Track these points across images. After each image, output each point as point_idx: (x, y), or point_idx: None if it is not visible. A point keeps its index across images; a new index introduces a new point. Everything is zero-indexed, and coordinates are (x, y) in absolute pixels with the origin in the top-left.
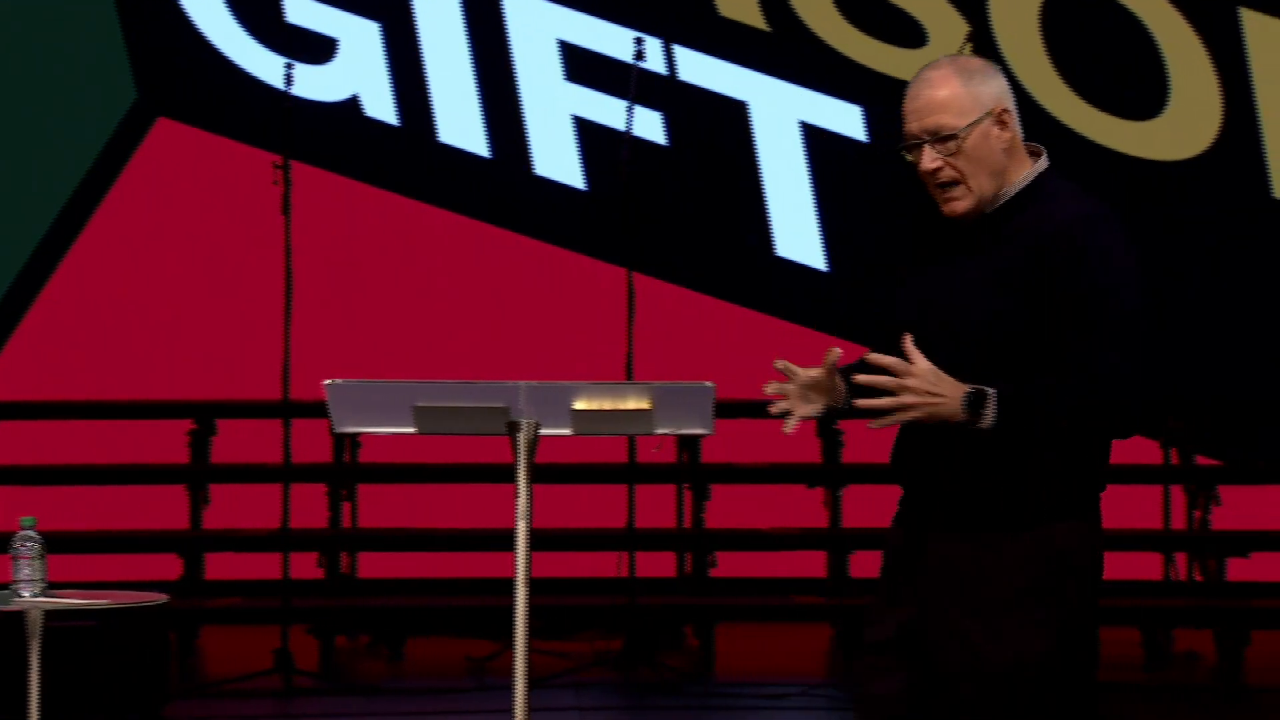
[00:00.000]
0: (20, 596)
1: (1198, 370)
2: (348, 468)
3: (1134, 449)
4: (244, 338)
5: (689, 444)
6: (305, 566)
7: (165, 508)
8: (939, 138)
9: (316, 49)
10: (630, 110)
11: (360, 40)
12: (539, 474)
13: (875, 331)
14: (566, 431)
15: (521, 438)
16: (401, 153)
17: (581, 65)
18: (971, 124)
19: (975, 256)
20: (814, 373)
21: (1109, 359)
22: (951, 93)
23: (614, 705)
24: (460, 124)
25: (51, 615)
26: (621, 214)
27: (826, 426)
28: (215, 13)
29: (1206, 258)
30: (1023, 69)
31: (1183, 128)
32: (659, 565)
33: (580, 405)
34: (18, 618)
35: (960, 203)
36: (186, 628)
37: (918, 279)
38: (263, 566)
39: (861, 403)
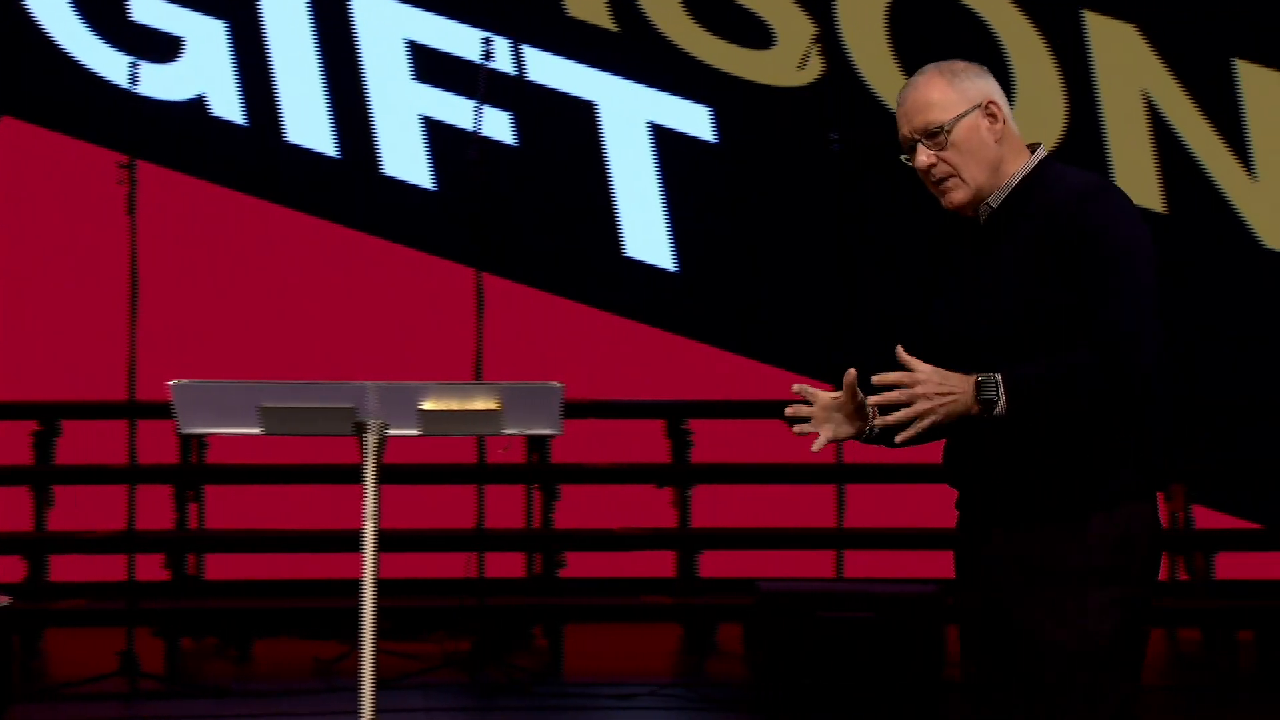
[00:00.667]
0: None
1: None
2: (194, 469)
3: None
4: (89, 338)
5: (538, 444)
6: (151, 568)
7: (9, 509)
8: (929, 134)
9: (162, 48)
10: (479, 110)
11: (206, 39)
12: (387, 474)
13: (914, 343)
14: (414, 432)
15: (369, 438)
16: (248, 152)
17: (430, 65)
18: (958, 117)
19: (995, 252)
20: (833, 396)
21: (1115, 323)
22: (937, 91)
23: (463, 706)
24: (308, 124)
25: None
26: (470, 214)
27: (675, 427)
28: (59, 11)
29: None
30: (869, 70)
31: (1027, 128)
32: (508, 566)
33: (428, 406)
34: None
35: (956, 193)
36: (30, 630)
37: (949, 285)
38: (108, 568)
39: (880, 421)
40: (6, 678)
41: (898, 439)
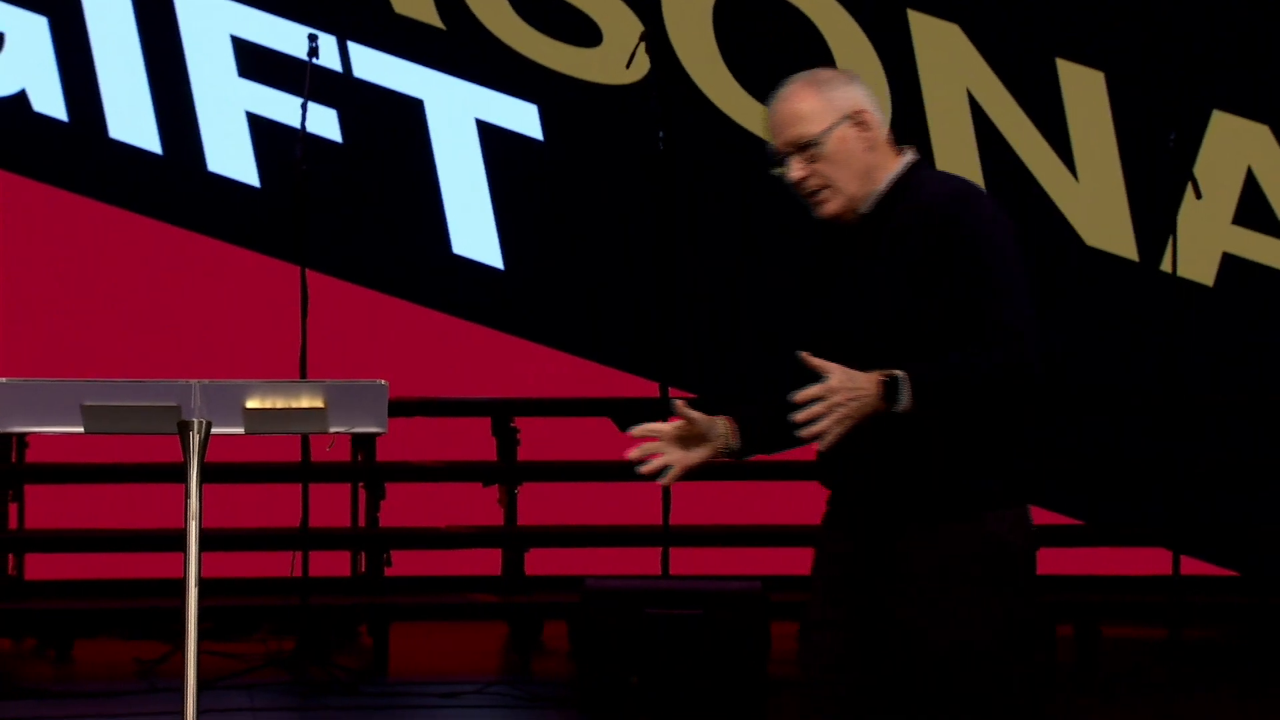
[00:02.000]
0: None
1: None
2: (14, 468)
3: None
4: None
5: (364, 442)
6: None
7: None
8: (800, 147)
9: None
10: (304, 107)
11: (28, 34)
12: (210, 473)
13: (796, 347)
14: (239, 430)
15: (193, 437)
16: (71, 149)
17: (255, 61)
18: (828, 129)
19: (868, 255)
20: (674, 426)
21: (1003, 321)
22: (806, 103)
23: (287, 706)
24: (131, 120)
25: None
26: (295, 211)
27: (502, 425)
28: None
29: None
30: (696, 69)
31: None
32: (333, 565)
33: (253, 404)
34: None
35: (829, 205)
36: None
37: (822, 290)
38: None
39: (802, 429)
40: None
41: (821, 447)
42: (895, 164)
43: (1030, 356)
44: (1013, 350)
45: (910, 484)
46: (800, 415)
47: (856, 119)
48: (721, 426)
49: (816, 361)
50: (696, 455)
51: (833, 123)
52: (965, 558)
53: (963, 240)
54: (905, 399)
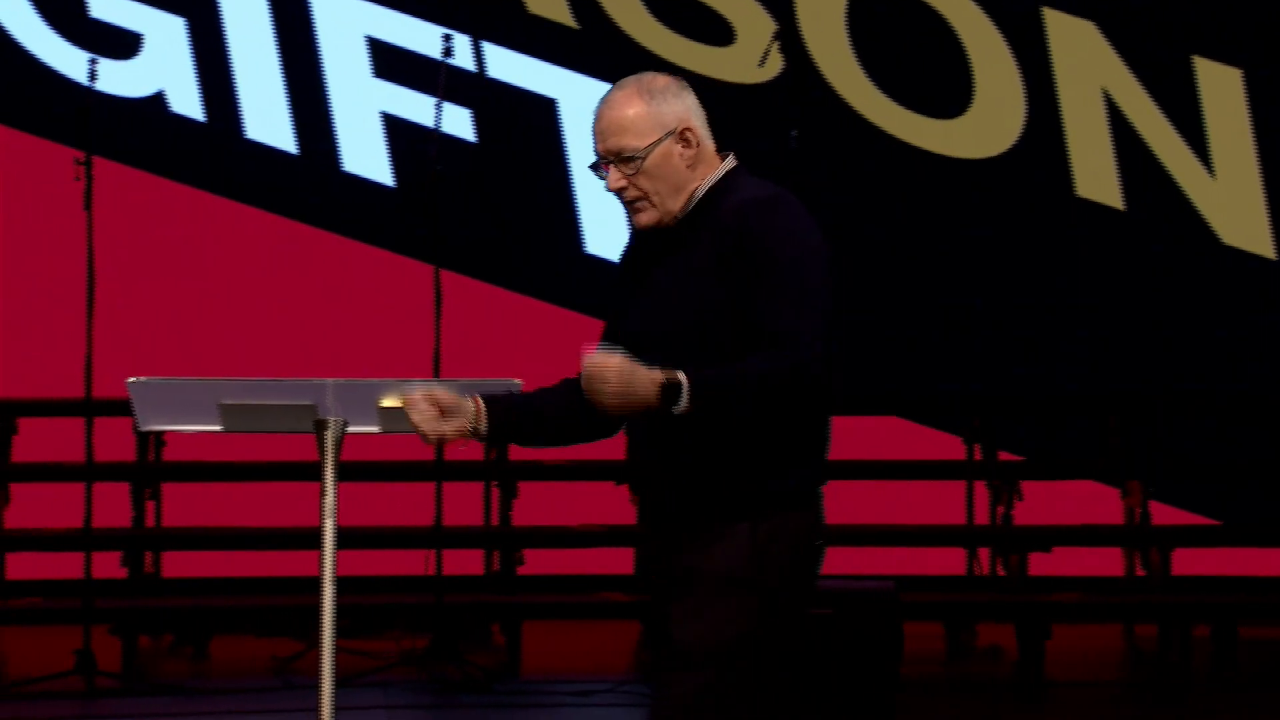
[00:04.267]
0: None
1: (1000, 366)
2: (151, 466)
3: (938, 445)
4: (46, 335)
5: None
6: (108, 566)
7: None
8: (622, 159)
9: (121, 44)
10: (439, 107)
11: (166, 35)
12: (346, 472)
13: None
14: (373, 429)
15: (329, 435)
16: (207, 149)
17: (390, 62)
18: (651, 145)
19: (672, 258)
20: (424, 396)
21: (783, 328)
22: (633, 114)
23: (420, 704)
24: (267, 120)
25: None
26: (429, 211)
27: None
28: (17, 6)
29: (1010, 255)
30: (829, 67)
31: (987, 126)
32: (466, 563)
33: (387, 403)
34: None
35: (645, 215)
36: None
37: (631, 290)
38: (64, 566)
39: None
40: None
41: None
42: (714, 172)
43: (808, 360)
44: (791, 356)
45: (695, 486)
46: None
47: (681, 135)
48: (469, 407)
49: (598, 356)
50: (448, 428)
51: (656, 139)
52: (721, 559)
53: (758, 247)
54: (684, 401)
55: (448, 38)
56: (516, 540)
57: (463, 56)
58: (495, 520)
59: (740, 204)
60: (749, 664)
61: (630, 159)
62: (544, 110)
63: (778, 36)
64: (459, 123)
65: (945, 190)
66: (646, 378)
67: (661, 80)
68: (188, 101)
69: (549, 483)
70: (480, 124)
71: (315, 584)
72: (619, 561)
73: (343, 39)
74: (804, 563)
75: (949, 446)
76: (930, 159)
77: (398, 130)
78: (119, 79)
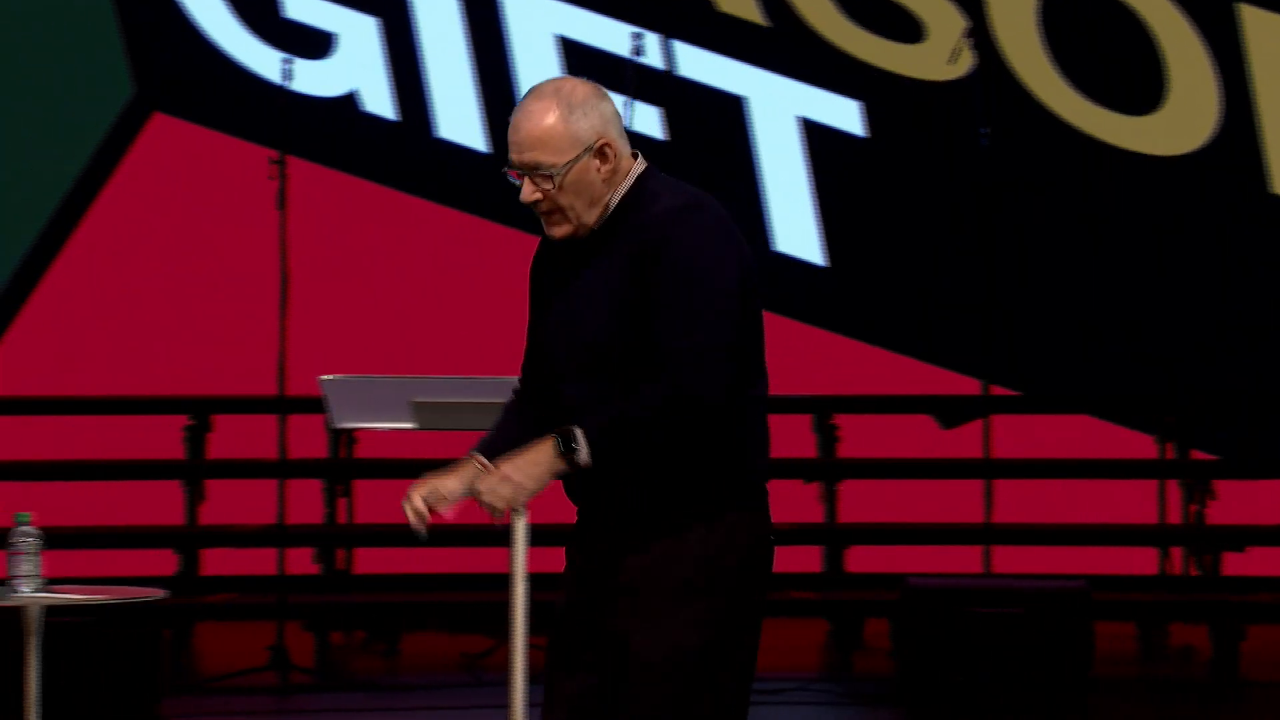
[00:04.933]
0: (18, 592)
1: (1194, 365)
2: (344, 463)
3: (1130, 444)
4: (240, 333)
5: None
6: (301, 562)
7: (161, 503)
8: (537, 173)
9: (314, 44)
10: (628, 105)
11: (358, 35)
12: None
13: (526, 361)
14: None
15: None
16: (399, 148)
17: (580, 60)
18: (569, 162)
19: (586, 270)
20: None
21: (676, 347)
22: (550, 129)
23: None
24: (458, 119)
25: (49, 611)
26: None
27: (822, 422)
28: (212, 7)
29: (1203, 252)
30: (1021, 64)
31: (1180, 123)
32: None
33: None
34: (15, 613)
35: (559, 228)
36: (182, 623)
37: (546, 304)
38: (258, 562)
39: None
40: (157, 671)
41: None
42: (627, 180)
43: (696, 383)
44: (679, 379)
45: (636, 493)
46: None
47: (599, 150)
48: (475, 469)
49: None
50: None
51: (574, 156)
52: (675, 566)
53: (667, 260)
54: (583, 453)
55: (638, 36)
56: None
57: (652, 55)
58: None
59: (659, 214)
60: (713, 670)
61: (546, 174)
62: (733, 108)
63: (969, 33)
64: (648, 121)
65: (1137, 187)
66: (534, 455)
67: (581, 91)
68: (380, 101)
69: None
70: (669, 122)
71: (506, 581)
72: (805, 560)
73: (533, 38)
74: (757, 563)
75: (1141, 446)
76: (1122, 156)
77: None
78: (312, 79)
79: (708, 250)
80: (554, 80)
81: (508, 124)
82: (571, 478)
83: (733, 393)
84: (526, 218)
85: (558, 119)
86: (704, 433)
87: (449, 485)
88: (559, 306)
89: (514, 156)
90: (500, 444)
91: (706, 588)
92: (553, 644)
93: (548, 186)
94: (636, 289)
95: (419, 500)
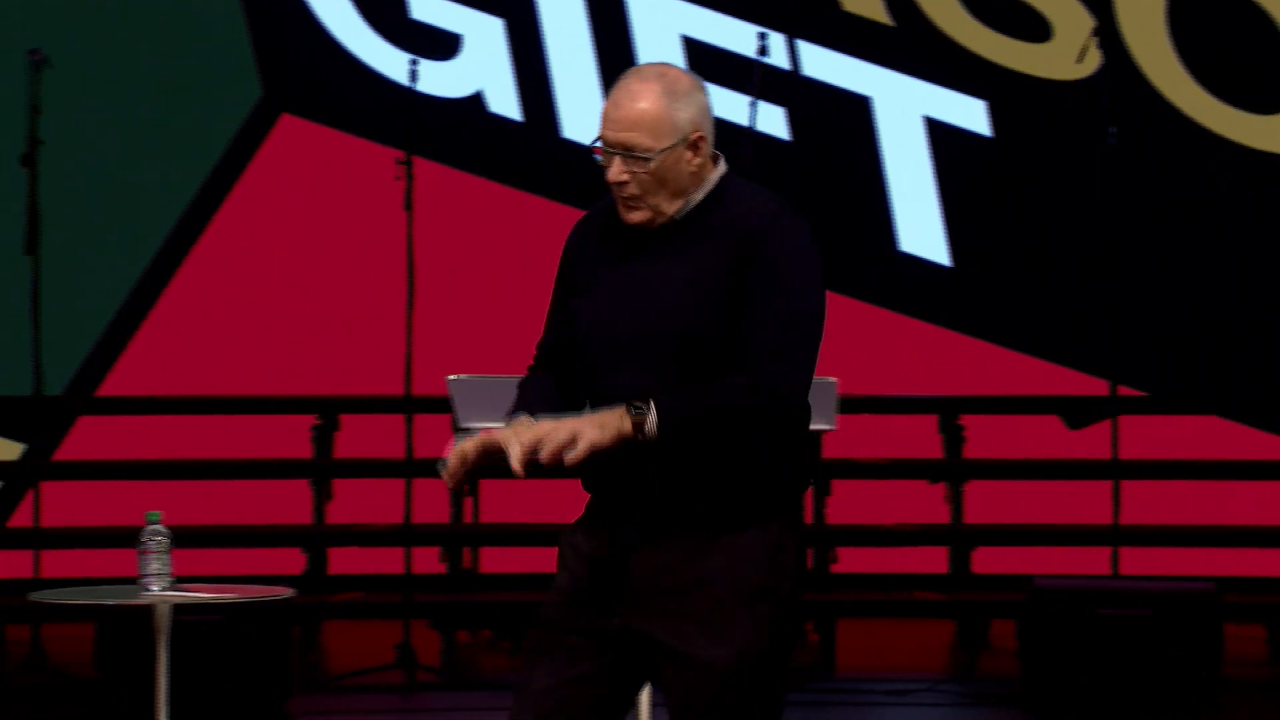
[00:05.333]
0: (148, 591)
1: None
2: None
3: (1258, 445)
4: (367, 333)
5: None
6: (427, 561)
7: (289, 502)
8: (630, 153)
9: (441, 45)
10: (753, 105)
11: (484, 36)
12: None
13: (555, 342)
14: None
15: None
16: (524, 148)
17: (704, 61)
18: (665, 149)
19: (665, 261)
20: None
21: (766, 343)
22: (652, 111)
23: None
24: (583, 120)
25: (178, 609)
26: None
27: (947, 422)
28: (340, 9)
29: None
30: (1148, 62)
31: None
32: None
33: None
34: (146, 612)
35: (637, 214)
36: (309, 622)
37: (600, 286)
38: (385, 561)
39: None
40: (286, 669)
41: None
42: (711, 177)
43: (781, 380)
44: (764, 372)
45: (689, 494)
46: (529, 443)
47: (693, 142)
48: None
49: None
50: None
51: (671, 143)
52: (741, 569)
53: (767, 260)
54: (651, 420)
55: (763, 36)
56: (830, 538)
57: (777, 55)
58: (809, 518)
59: (755, 214)
60: (779, 674)
61: (640, 157)
62: (858, 108)
63: (1096, 32)
64: (773, 121)
65: (1265, 186)
66: (600, 415)
67: (685, 80)
68: (505, 101)
69: (862, 480)
70: (794, 122)
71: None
72: (931, 560)
73: (658, 38)
74: (803, 568)
75: (1270, 446)
76: (1250, 155)
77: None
78: (439, 79)
79: (806, 258)
80: (658, 64)
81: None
82: (610, 468)
83: (802, 398)
84: None
85: (661, 103)
86: (773, 433)
87: (497, 435)
88: (616, 294)
89: (608, 134)
90: (539, 411)
91: (771, 591)
92: (544, 628)
93: (638, 169)
94: (730, 283)
95: (470, 447)
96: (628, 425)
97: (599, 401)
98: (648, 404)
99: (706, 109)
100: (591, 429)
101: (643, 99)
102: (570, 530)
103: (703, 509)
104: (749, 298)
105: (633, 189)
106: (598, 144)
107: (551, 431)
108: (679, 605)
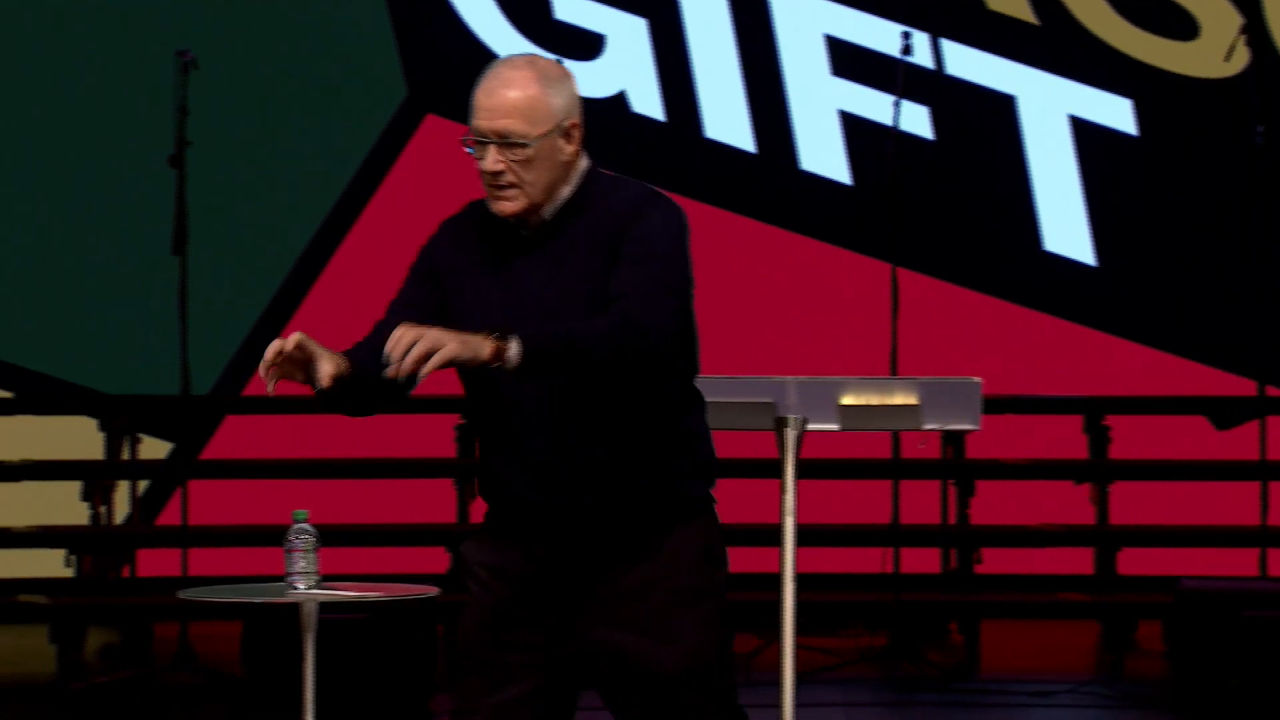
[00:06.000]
0: (295, 589)
1: None
2: None
3: None
4: None
5: (953, 439)
6: None
7: (433, 501)
8: (508, 142)
9: (584, 45)
10: (897, 105)
11: (628, 36)
12: (804, 469)
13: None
14: (834, 427)
15: (789, 433)
16: (667, 148)
17: (848, 60)
18: (543, 135)
19: (545, 266)
20: (296, 347)
21: (631, 292)
22: (528, 98)
23: (879, 701)
24: (726, 119)
25: (325, 608)
26: (887, 209)
27: (1093, 422)
28: (484, 9)
29: None
30: None
31: None
32: (924, 561)
33: (848, 401)
34: (292, 610)
35: (513, 204)
36: (454, 621)
37: (481, 297)
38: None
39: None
40: (430, 668)
41: (422, 372)
42: (580, 168)
43: (645, 317)
44: (630, 310)
45: (610, 497)
46: (391, 344)
47: (567, 130)
48: (329, 367)
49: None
50: (295, 375)
51: (547, 130)
52: (675, 571)
53: (634, 236)
54: (513, 349)
55: (907, 35)
56: (974, 539)
57: (921, 54)
58: (952, 518)
59: (633, 196)
60: (727, 669)
61: (517, 145)
62: (1003, 107)
63: (1244, 30)
64: (917, 120)
65: None
66: (469, 336)
67: (556, 68)
68: (648, 101)
69: (1007, 481)
70: (938, 121)
71: (774, 580)
72: (1077, 561)
73: (801, 38)
74: (726, 561)
75: None
76: None
77: (855, 128)
78: (582, 79)
79: (675, 233)
80: (525, 55)
81: (771, 123)
82: (520, 478)
83: (686, 372)
84: (792, 218)
85: (536, 89)
86: (676, 430)
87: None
88: (503, 305)
89: (483, 123)
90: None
91: (708, 589)
92: (474, 650)
93: (514, 157)
94: (607, 264)
95: (292, 342)
96: (487, 350)
97: (502, 412)
98: (511, 332)
99: (578, 98)
100: (454, 341)
101: (516, 86)
102: (473, 548)
103: (626, 515)
104: (617, 263)
105: (509, 177)
106: (470, 136)
107: (414, 336)
108: (621, 612)
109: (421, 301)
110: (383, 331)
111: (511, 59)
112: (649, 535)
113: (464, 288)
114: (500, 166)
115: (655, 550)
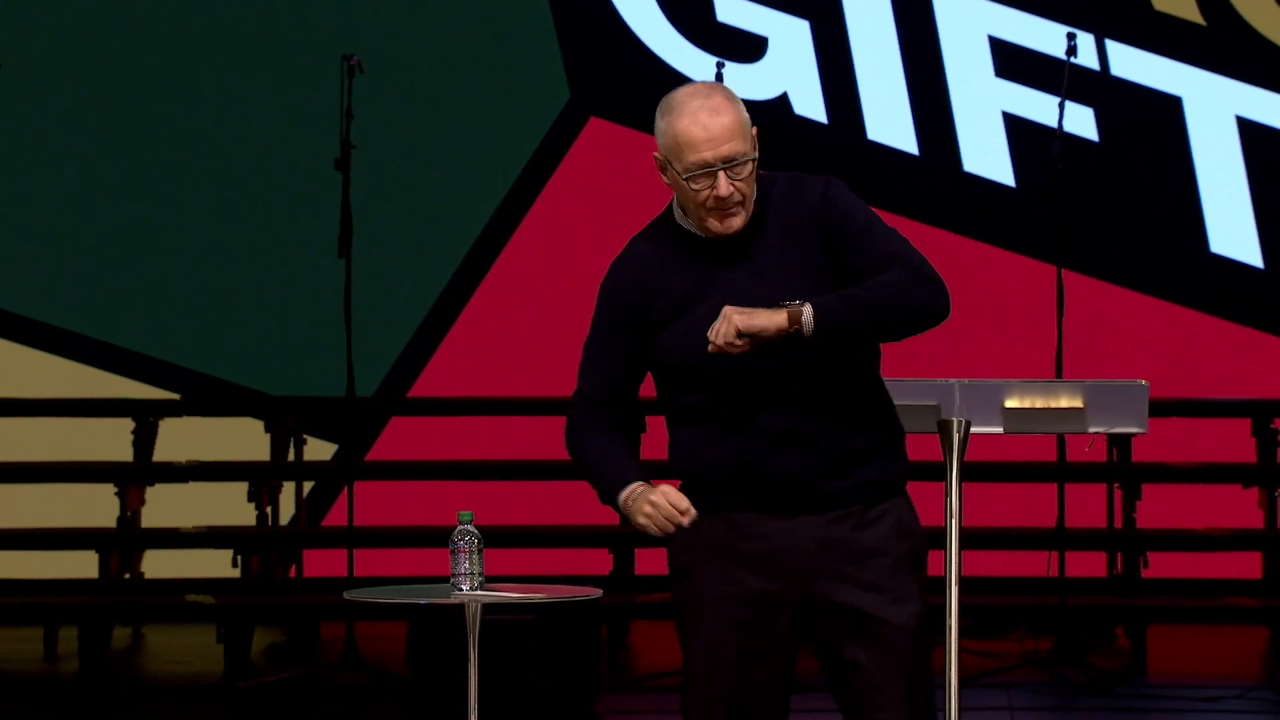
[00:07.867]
0: (459, 590)
1: None
2: None
3: None
4: None
5: (1119, 442)
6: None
7: (596, 503)
8: (732, 163)
9: (747, 48)
10: (1061, 106)
11: (790, 38)
12: (968, 472)
13: (603, 400)
14: (997, 430)
15: (954, 435)
16: (830, 151)
17: (1012, 61)
18: (755, 147)
19: (741, 263)
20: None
21: (901, 252)
22: (736, 119)
23: (1044, 706)
24: (889, 121)
25: (489, 609)
26: (1051, 211)
27: (1261, 426)
28: (647, 13)
29: None
30: None
31: None
32: (1089, 565)
33: (1012, 403)
34: (457, 611)
35: (738, 219)
36: (618, 622)
37: (691, 301)
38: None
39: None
40: (594, 669)
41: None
42: None
43: (928, 270)
44: (913, 264)
45: (834, 471)
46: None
47: (755, 138)
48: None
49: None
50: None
51: (754, 144)
52: (903, 540)
53: (843, 212)
54: (807, 314)
55: (1071, 36)
56: (1140, 543)
57: (1086, 55)
58: (1118, 522)
59: (805, 190)
60: (930, 630)
61: (742, 163)
62: (1169, 108)
63: None
64: (1081, 122)
65: None
66: (767, 311)
67: (726, 87)
68: (811, 103)
69: (1173, 485)
70: (1103, 123)
71: (939, 584)
72: (1246, 566)
73: (964, 39)
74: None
75: None
76: None
77: (1019, 130)
78: (744, 81)
79: (859, 198)
80: (703, 82)
81: (934, 125)
82: (739, 455)
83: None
84: (956, 220)
85: (736, 109)
86: (875, 388)
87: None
88: (717, 298)
89: (707, 154)
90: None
91: (921, 557)
92: (703, 609)
93: (738, 176)
94: (817, 251)
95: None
96: (782, 319)
97: (752, 428)
98: (802, 305)
99: None
100: (759, 317)
101: (723, 112)
102: (694, 517)
103: (853, 484)
104: (853, 243)
105: (737, 197)
106: (698, 173)
107: (721, 325)
108: (858, 573)
109: (621, 347)
110: (597, 381)
111: (693, 89)
112: (869, 508)
113: (678, 308)
114: (730, 189)
115: (878, 521)
